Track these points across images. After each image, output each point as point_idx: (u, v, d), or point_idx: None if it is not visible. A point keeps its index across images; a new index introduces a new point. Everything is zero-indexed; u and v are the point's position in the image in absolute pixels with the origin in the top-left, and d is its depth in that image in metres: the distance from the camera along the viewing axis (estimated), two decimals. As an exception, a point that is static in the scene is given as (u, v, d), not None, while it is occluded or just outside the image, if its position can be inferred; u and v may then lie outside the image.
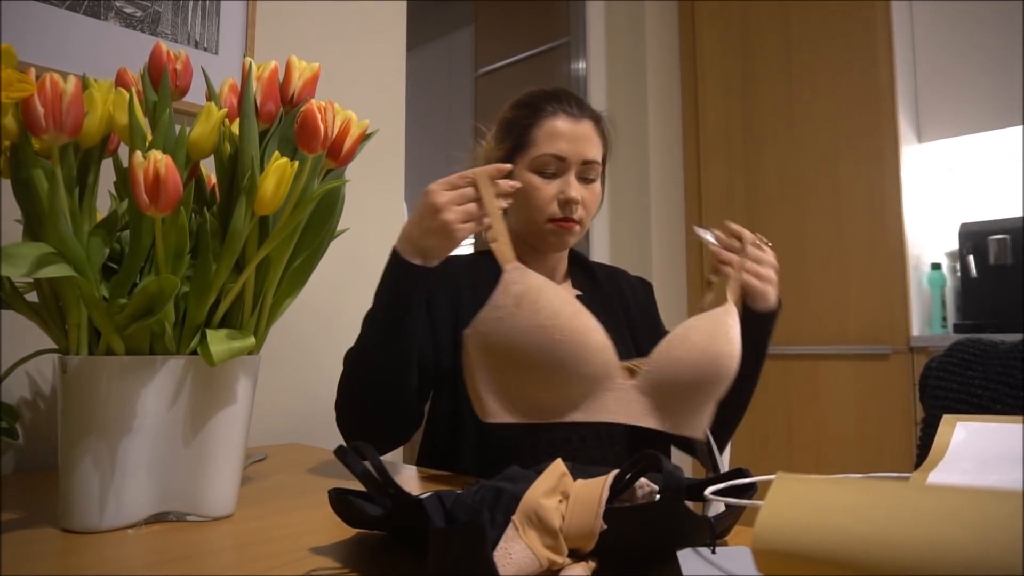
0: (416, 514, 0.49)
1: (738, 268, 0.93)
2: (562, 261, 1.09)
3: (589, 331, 0.79)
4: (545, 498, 0.45)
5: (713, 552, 0.46)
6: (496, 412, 0.81)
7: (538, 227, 1.01)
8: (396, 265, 0.83)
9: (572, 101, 1.02)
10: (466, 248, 1.14)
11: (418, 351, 0.89)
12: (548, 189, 0.99)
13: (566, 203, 0.98)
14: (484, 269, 1.00)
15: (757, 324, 0.96)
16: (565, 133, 0.99)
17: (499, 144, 1.04)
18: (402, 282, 0.83)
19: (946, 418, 0.59)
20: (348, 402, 0.88)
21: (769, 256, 0.96)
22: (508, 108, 1.07)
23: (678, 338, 0.84)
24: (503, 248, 0.83)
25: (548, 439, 0.93)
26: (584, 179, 1.00)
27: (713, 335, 0.84)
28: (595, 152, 1.01)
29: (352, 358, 0.89)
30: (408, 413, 0.90)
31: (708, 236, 0.96)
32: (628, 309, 1.10)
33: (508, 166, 0.85)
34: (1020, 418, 0.56)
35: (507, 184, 0.83)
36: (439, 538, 0.42)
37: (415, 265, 0.82)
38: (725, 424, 0.97)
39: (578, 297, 1.04)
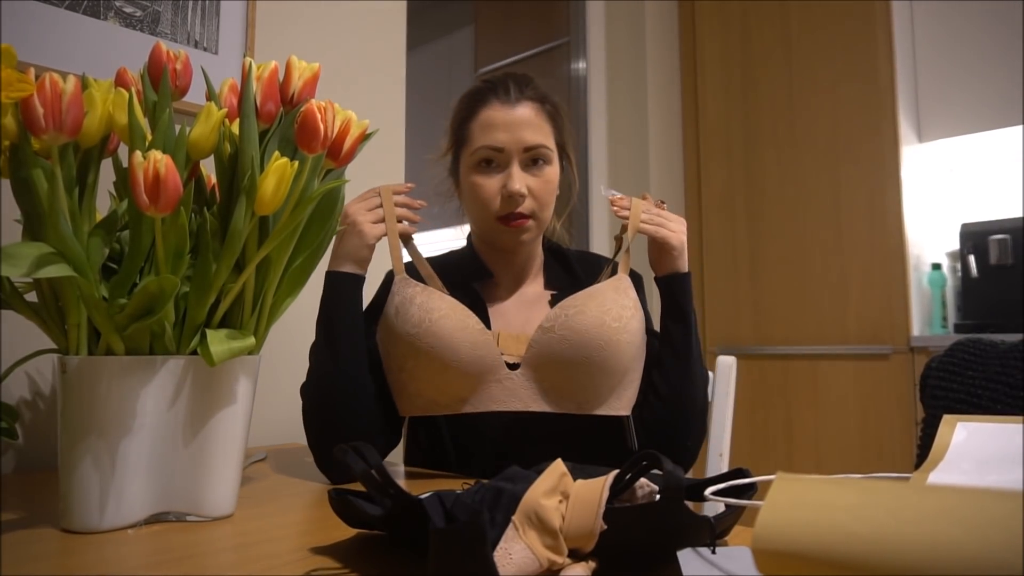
0: (416, 514, 0.49)
1: (634, 217, 0.91)
2: (532, 258, 1.04)
3: (455, 332, 0.83)
4: (545, 498, 0.45)
5: (713, 552, 0.46)
6: (403, 408, 0.89)
7: (488, 227, 0.96)
8: (327, 281, 0.88)
9: (509, 86, 0.95)
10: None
11: (378, 370, 0.89)
12: (490, 185, 0.93)
13: (509, 197, 0.92)
14: (453, 269, 1.00)
15: (669, 288, 0.94)
16: (500, 122, 0.92)
17: (448, 144, 1.02)
18: (335, 293, 0.87)
19: (946, 418, 0.58)
20: (318, 433, 0.87)
21: (670, 214, 0.95)
22: (454, 104, 1.02)
23: (549, 320, 0.85)
24: (396, 261, 0.89)
25: (530, 438, 0.91)
26: (531, 167, 0.94)
27: (583, 310, 0.84)
28: (538, 136, 0.93)
29: (309, 389, 0.88)
30: (378, 427, 0.88)
31: (607, 193, 0.97)
32: None
33: (410, 185, 0.92)
34: (1020, 418, 0.56)
35: (402, 199, 0.90)
36: (439, 538, 0.42)
37: (343, 272, 0.87)
38: (679, 401, 0.92)
39: (553, 296, 1.01)
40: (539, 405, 0.86)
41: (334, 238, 0.88)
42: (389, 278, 1.01)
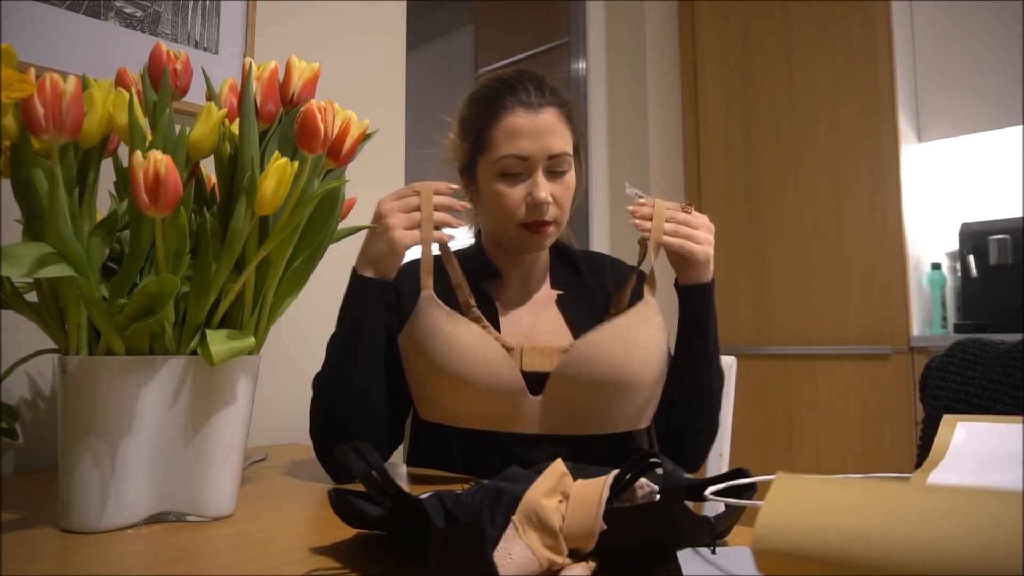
0: (417, 514, 0.49)
1: (656, 228, 0.87)
2: (540, 259, 1.03)
3: (481, 367, 0.82)
4: (545, 498, 0.45)
5: (713, 552, 0.46)
6: (422, 412, 0.89)
7: (510, 233, 0.94)
8: (352, 281, 0.86)
9: (530, 89, 0.93)
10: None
11: (388, 372, 0.88)
12: (515, 193, 0.91)
13: (535, 206, 0.90)
14: (461, 268, 0.98)
15: (689, 299, 0.91)
16: (525, 129, 0.90)
17: (461, 144, 0.98)
18: (357, 296, 0.86)
19: (946, 418, 0.58)
20: (321, 428, 0.87)
21: (697, 219, 0.89)
22: (464, 103, 0.98)
23: (574, 353, 0.83)
24: (425, 276, 0.86)
25: (535, 441, 0.90)
26: (554, 174, 0.92)
27: (607, 346, 0.83)
28: (562, 143, 0.92)
29: (319, 383, 0.88)
30: (384, 433, 0.88)
31: (632, 192, 0.93)
32: (609, 303, 1.02)
33: (454, 185, 0.88)
34: (1020, 418, 0.56)
35: (444, 200, 0.85)
36: (439, 538, 0.42)
37: (367, 277, 0.85)
38: (694, 412, 0.92)
39: (560, 297, 1.01)
40: (561, 428, 0.86)
41: (366, 234, 0.86)
42: (406, 268, 0.99)
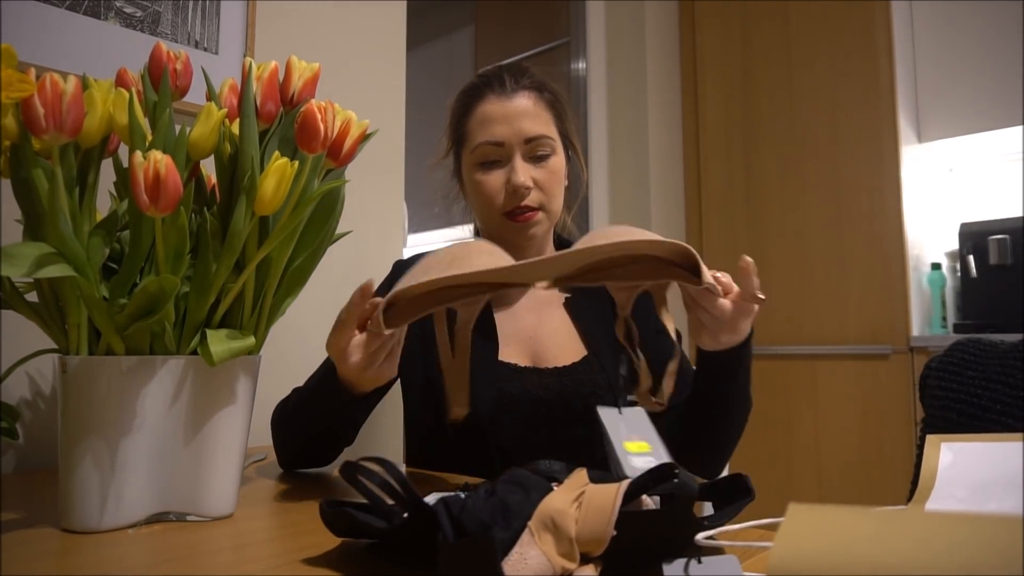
0: (422, 523, 0.48)
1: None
2: (543, 255, 0.94)
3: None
4: (564, 506, 0.45)
5: (699, 562, 0.46)
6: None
7: (495, 225, 0.92)
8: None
9: (505, 78, 0.92)
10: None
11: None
12: (493, 180, 0.90)
13: (515, 191, 0.88)
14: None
15: (730, 360, 0.77)
16: (497, 115, 0.89)
17: (447, 144, 0.98)
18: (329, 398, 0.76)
19: (929, 439, 0.58)
20: (279, 449, 0.87)
21: (726, 281, 0.71)
22: (450, 104, 0.99)
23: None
24: None
25: (536, 443, 0.89)
26: (535, 159, 0.90)
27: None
28: (538, 126, 0.90)
29: (281, 422, 0.85)
30: (341, 449, 0.85)
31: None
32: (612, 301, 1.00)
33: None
34: (1002, 436, 0.56)
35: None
36: (449, 552, 0.42)
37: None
38: (708, 454, 0.93)
39: (568, 300, 0.98)
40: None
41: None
42: (397, 267, 0.97)
